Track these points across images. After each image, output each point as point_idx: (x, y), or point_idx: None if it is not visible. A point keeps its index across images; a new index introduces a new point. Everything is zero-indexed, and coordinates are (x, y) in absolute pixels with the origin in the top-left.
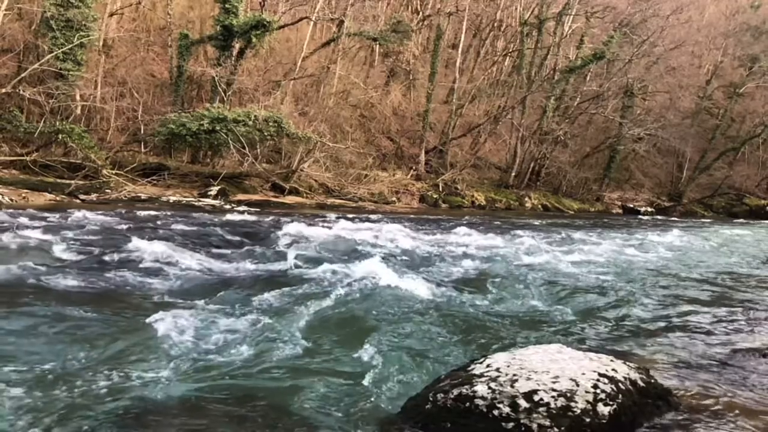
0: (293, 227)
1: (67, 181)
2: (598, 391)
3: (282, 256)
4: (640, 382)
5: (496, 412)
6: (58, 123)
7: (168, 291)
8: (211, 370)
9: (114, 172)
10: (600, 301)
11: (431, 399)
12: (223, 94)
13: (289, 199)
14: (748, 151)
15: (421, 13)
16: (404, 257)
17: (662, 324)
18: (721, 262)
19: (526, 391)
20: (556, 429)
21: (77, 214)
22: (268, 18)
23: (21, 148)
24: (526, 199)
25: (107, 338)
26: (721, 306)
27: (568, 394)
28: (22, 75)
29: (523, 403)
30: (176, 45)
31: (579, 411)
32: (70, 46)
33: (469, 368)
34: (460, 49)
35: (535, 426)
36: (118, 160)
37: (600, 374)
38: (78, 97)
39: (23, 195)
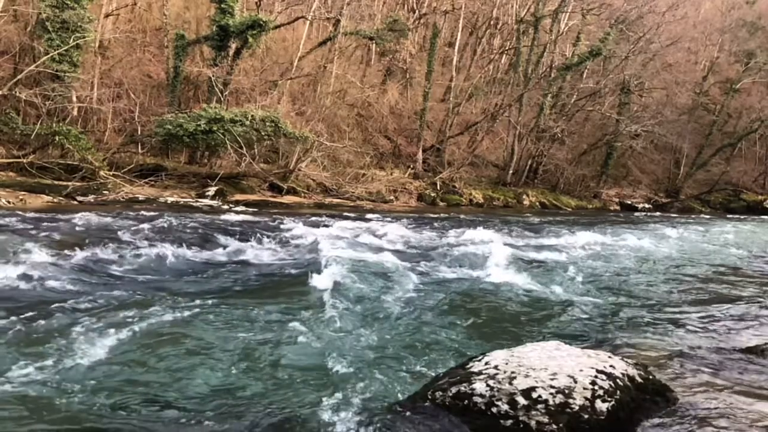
0: (291, 227)
1: (65, 183)
2: (596, 387)
3: (281, 256)
4: (638, 378)
5: (494, 410)
6: (54, 125)
7: (166, 291)
8: (212, 367)
9: (111, 173)
10: (599, 298)
11: (430, 397)
12: (219, 94)
13: (287, 199)
14: (745, 146)
15: (417, 11)
16: (403, 255)
17: (661, 320)
18: (719, 257)
19: (525, 388)
20: (554, 426)
21: (75, 216)
22: (264, 18)
23: (18, 150)
24: (524, 196)
25: (110, 337)
26: (720, 302)
27: (566, 391)
28: (19, 77)
29: (522, 401)
30: (172, 45)
31: (577, 407)
32: (65, 47)
33: (468, 366)
34: (456, 48)
35: (533, 423)
36: (116, 162)
37: (598, 371)
38: (74, 99)
39: (20, 197)
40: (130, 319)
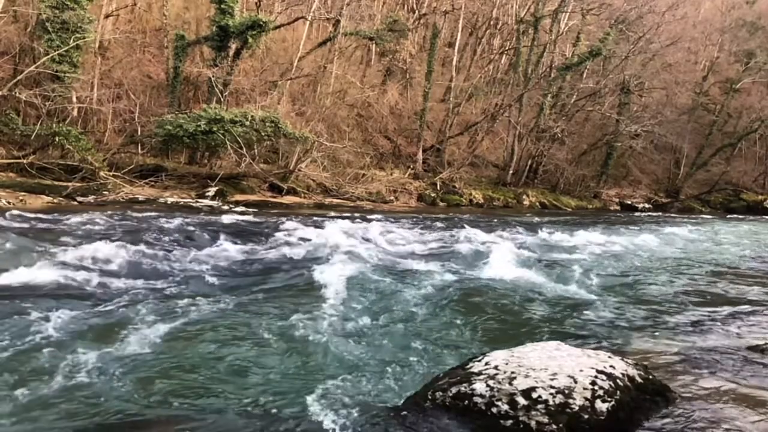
0: (291, 227)
1: (65, 184)
2: (596, 387)
3: (281, 256)
4: (638, 378)
5: (494, 410)
6: (54, 125)
7: (183, 290)
8: (217, 365)
9: (111, 173)
10: (599, 297)
11: (430, 397)
12: (219, 94)
13: (287, 199)
14: (745, 146)
15: (417, 11)
16: (404, 255)
17: (661, 320)
18: (719, 257)
19: (525, 388)
20: (554, 426)
21: (75, 217)
22: (264, 18)
23: (18, 151)
24: (524, 196)
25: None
26: (721, 302)
27: (566, 391)
28: (19, 77)
29: (522, 401)
30: (172, 46)
31: (577, 408)
32: (65, 48)
33: (468, 366)
34: (456, 48)
35: (533, 423)
36: (116, 162)
37: (598, 371)
38: (74, 99)
39: (20, 198)
40: (157, 317)
